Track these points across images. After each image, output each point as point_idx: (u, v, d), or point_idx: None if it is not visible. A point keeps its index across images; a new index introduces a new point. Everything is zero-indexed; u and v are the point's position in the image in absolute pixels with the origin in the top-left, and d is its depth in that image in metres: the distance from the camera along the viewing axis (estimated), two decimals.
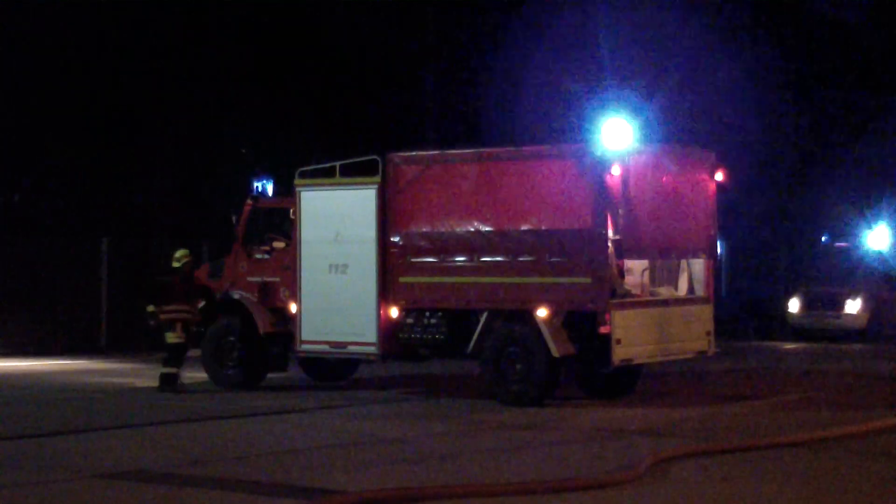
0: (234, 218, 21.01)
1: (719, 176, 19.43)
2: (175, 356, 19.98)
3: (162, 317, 19.95)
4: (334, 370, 21.26)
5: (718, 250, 19.90)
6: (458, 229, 18.59)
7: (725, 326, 26.41)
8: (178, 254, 20.36)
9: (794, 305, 31.47)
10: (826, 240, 33.77)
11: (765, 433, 15.33)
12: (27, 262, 27.70)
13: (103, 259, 28.04)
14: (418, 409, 18.12)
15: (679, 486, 12.08)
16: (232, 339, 20.38)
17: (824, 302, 31.02)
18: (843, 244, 33.41)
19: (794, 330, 31.48)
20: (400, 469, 13.17)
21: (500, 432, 15.88)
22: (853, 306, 30.65)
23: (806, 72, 40.00)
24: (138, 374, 22.86)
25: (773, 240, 38.18)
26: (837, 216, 36.92)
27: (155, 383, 20.02)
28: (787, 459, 13.58)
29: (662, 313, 18.64)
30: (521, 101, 35.84)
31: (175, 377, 19.93)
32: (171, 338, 19.94)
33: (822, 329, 31.01)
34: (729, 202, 21.22)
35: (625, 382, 19.17)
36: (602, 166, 17.60)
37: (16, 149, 31.71)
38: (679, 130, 32.40)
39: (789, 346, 29.86)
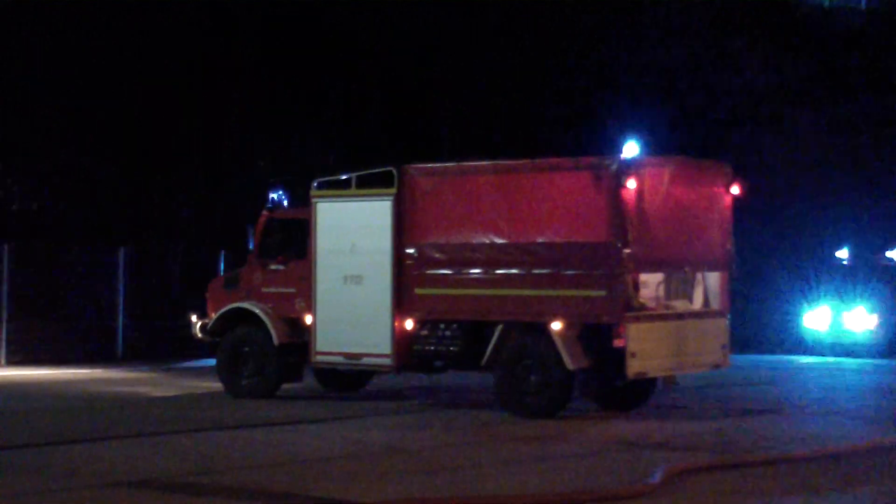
0: (250, 229, 21.06)
1: (735, 189, 19.42)
2: None
3: None
4: (348, 381, 21.28)
5: (735, 263, 19.84)
6: (473, 241, 18.60)
7: (740, 340, 26.33)
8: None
9: (810, 319, 31.39)
10: (845, 254, 33.64)
11: (779, 447, 15.29)
12: (45, 270, 27.81)
13: (120, 268, 28.13)
14: (432, 421, 18.12)
15: (693, 500, 12.07)
16: (247, 349, 20.42)
17: (841, 316, 30.94)
18: (861, 258, 33.30)
19: (810, 344, 31.39)
20: (413, 480, 13.18)
21: (514, 444, 15.88)
22: (870, 321, 30.56)
23: (822, 80, 39.85)
24: (154, 384, 22.92)
25: (789, 253, 38.06)
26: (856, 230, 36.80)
27: (170, 392, 19.97)
28: (801, 474, 13.55)
29: (677, 326, 18.61)
30: (539, 113, 35.87)
31: None
32: None
33: (838, 344, 30.93)
34: (745, 214, 21.17)
35: (639, 395, 19.14)
36: (618, 179, 17.59)
37: (35, 157, 31.83)
38: (694, 143, 32.37)
39: (805, 360, 29.78)
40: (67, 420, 17.87)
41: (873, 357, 29.83)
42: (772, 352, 31.05)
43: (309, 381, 21.17)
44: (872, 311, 30.56)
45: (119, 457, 14.66)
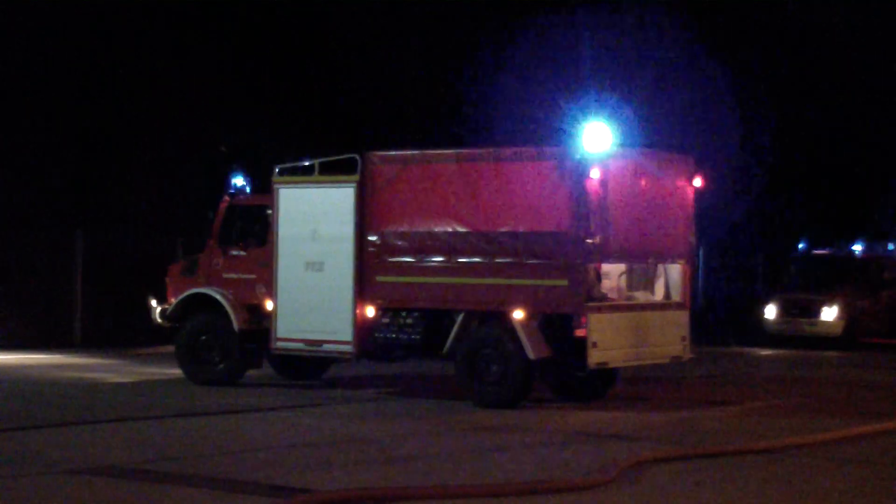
0: (210, 214, 20.91)
1: (698, 181, 19.46)
2: None
3: None
4: (306, 369, 21.18)
5: (696, 256, 19.89)
6: (435, 229, 18.54)
7: (701, 332, 26.43)
8: None
9: (770, 311, 31.53)
10: (803, 246, 33.86)
11: (739, 439, 15.32)
12: (0, 254, 27.51)
13: (77, 251, 27.87)
14: (392, 409, 18.06)
15: (652, 491, 12.06)
16: (207, 335, 20.27)
17: (800, 308, 31.11)
18: (820, 251, 33.52)
19: (769, 336, 31.54)
20: (372, 469, 13.12)
21: (473, 433, 15.83)
22: (829, 313, 30.72)
23: (784, 77, 40.12)
24: (112, 370, 22.74)
25: (750, 245, 38.26)
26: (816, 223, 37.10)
27: (128, 378, 19.86)
28: (761, 465, 13.58)
29: (638, 317, 18.64)
30: (503, 102, 35.83)
31: None
32: None
33: (797, 336, 31.10)
34: (706, 207, 21.24)
35: (600, 386, 19.15)
36: (581, 169, 17.58)
37: None
38: (658, 135, 32.45)
39: (765, 352, 29.91)
40: (22, 405, 17.68)
41: (833, 349, 30.01)
42: (732, 344, 31.17)
43: (269, 368, 21.05)
44: (832, 302, 30.72)
45: (75, 443, 14.52)
